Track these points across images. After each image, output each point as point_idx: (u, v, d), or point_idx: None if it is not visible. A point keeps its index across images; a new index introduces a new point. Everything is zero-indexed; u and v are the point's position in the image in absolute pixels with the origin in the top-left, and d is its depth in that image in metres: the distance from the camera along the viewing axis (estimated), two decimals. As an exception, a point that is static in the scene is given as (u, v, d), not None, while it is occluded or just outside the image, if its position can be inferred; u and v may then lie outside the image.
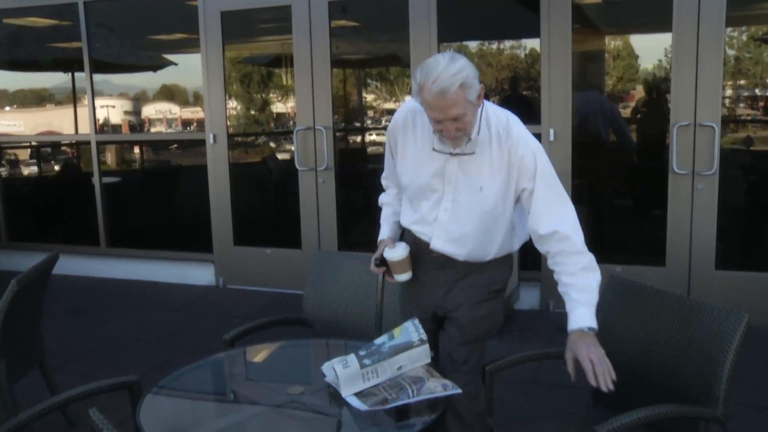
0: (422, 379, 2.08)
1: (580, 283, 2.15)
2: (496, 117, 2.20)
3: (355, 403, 2.01)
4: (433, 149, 2.24)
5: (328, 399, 2.08)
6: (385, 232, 2.55)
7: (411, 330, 2.17)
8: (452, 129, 2.12)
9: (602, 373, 2.04)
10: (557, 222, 2.18)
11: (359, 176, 6.70)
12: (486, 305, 2.35)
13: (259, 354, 2.59)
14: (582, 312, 2.13)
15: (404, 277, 2.37)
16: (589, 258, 2.18)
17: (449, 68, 2.02)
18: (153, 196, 7.21)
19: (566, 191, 2.24)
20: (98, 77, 6.58)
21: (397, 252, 2.34)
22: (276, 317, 3.06)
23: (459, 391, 2.07)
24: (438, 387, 2.05)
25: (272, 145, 7.14)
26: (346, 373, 2.06)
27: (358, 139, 7.15)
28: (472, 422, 2.33)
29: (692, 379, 2.24)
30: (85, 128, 6.62)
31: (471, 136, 2.17)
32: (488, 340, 2.41)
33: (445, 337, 2.38)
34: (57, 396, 2.39)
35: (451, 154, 2.22)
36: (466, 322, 2.33)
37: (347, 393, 2.04)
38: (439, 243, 2.33)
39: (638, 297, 2.47)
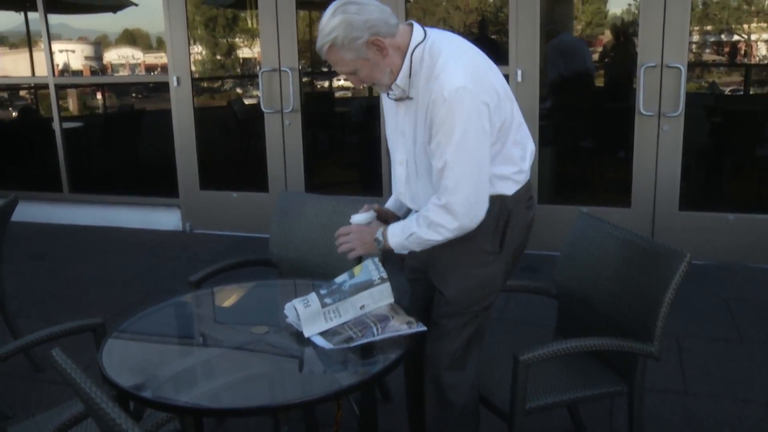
0: (387, 317, 2.09)
1: (409, 217, 2.12)
2: (431, 56, 1.97)
3: (320, 341, 2.02)
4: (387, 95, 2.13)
5: (293, 338, 2.08)
6: (390, 200, 2.42)
7: (371, 268, 2.16)
8: (355, 80, 2.06)
9: (343, 243, 2.21)
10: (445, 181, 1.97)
11: (326, 119, 6.64)
12: (475, 273, 2.15)
13: (224, 295, 2.58)
14: (398, 224, 2.14)
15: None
16: (433, 220, 2.01)
17: (325, 25, 1.94)
18: (117, 141, 7.08)
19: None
20: (55, 19, 6.35)
21: (360, 217, 2.25)
22: (242, 258, 3.05)
23: (424, 328, 2.09)
24: (403, 325, 2.07)
25: (238, 90, 7.02)
26: (307, 312, 2.06)
27: (326, 84, 7.06)
28: (448, 418, 2.23)
29: (633, 315, 2.29)
30: (43, 72, 6.42)
31: (395, 82, 2.02)
32: (482, 319, 2.21)
33: (434, 306, 2.24)
34: (20, 339, 2.37)
35: (395, 99, 2.10)
36: (453, 294, 2.16)
37: (309, 333, 2.05)
38: (406, 201, 2.25)
39: (596, 233, 2.51)
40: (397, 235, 2.12)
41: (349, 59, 1.97)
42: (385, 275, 2.15)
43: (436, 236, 2.05)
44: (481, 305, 2.19)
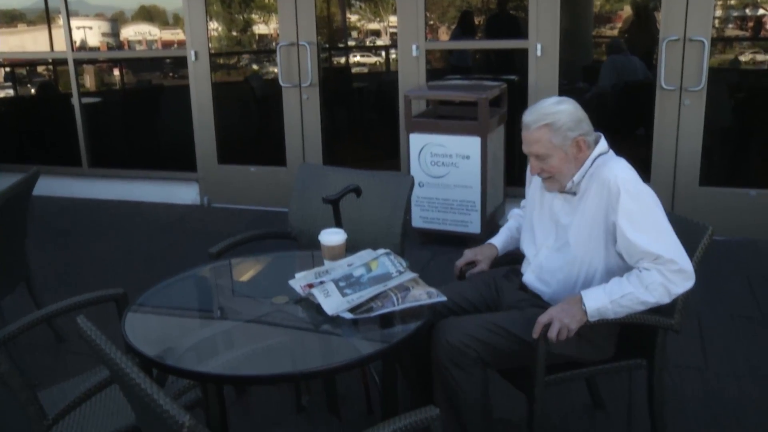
0: (407, 287, 2.09)
1: (622, 278, 2.12)
2: (610, 171, 2.13)
3: (341, 312, 2.02)
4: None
5: (313, 308, 2.07)
6: (497, 238, 2.60)
7: (387, 264, 2.17)
8: (536, 167, 2.19)
9: (549, 333, 2.09)
10: (650, 246, 2.07)
11: (344, 94, 6.62)
12: (531, 309, 2.27)
13: (244, 266, 2.59)
14: (595, 288, 2.14)
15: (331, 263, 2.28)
16: (652, 281, 2.06)
17: (549, 107, 2.14)
18: (135, 116, 7.08)
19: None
20: (72, -5, 6.35)
21: (331, 238, 2.30)
22: (262, 231, 3.06)
23: (444, 298, 2.09)
24: (423, 295, 2.07)
25: (255, 66, 7.00)
26: (328, 302, 2.04)
27: (342, 59, 7.03)
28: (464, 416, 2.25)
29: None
30: (62, 47, 6.44)
31: (566, 184, 2.19)
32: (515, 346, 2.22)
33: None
34: (44, 308, 2.39)
35: (549, 191, 2.26)
36: (503, 314, 2.31)
37: (333, 312, 2.01)
38: (530, 278, 2.36)
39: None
40: (600, 299, 2.10)
41: (554, 143, 2.14)
42: (401, 268, 2.16)
43: (659, 297, 2.09)
44: (525, 334, 2.19)
